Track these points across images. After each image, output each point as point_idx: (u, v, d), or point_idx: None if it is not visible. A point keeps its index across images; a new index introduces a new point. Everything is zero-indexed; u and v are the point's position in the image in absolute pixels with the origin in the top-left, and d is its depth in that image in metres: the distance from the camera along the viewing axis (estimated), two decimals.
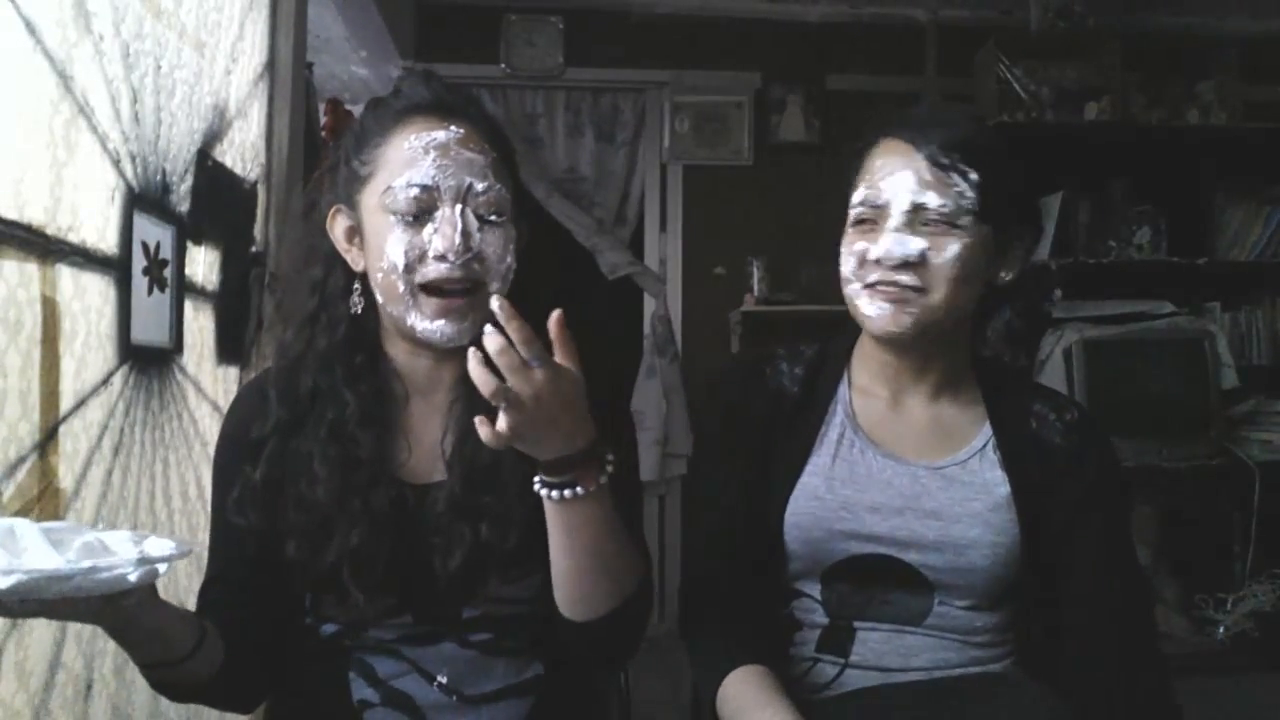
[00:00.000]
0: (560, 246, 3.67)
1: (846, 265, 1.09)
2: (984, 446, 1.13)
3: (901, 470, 1.12)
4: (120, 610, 0.82)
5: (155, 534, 0.85)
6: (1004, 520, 1.08)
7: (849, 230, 1.10)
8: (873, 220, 1.07)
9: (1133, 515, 1.19)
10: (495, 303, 0.84)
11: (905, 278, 1.04)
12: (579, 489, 0.90)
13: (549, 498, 0.91)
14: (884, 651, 1.10)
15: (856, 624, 1.11)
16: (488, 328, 0.84)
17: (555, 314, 0.85)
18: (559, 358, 0.86)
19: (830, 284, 1.15)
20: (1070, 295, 3.10)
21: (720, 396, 1.22)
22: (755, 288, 3.65)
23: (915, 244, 1.04)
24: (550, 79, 3.80)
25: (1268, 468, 3.01)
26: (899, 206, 1.05)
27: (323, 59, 3.09)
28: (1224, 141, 3.37)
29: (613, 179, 3.87)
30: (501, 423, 0.84)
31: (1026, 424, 1.13)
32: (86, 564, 0.75)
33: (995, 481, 1.10)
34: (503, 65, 3.75)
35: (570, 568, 0.95)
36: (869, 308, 1.07)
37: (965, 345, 1.15)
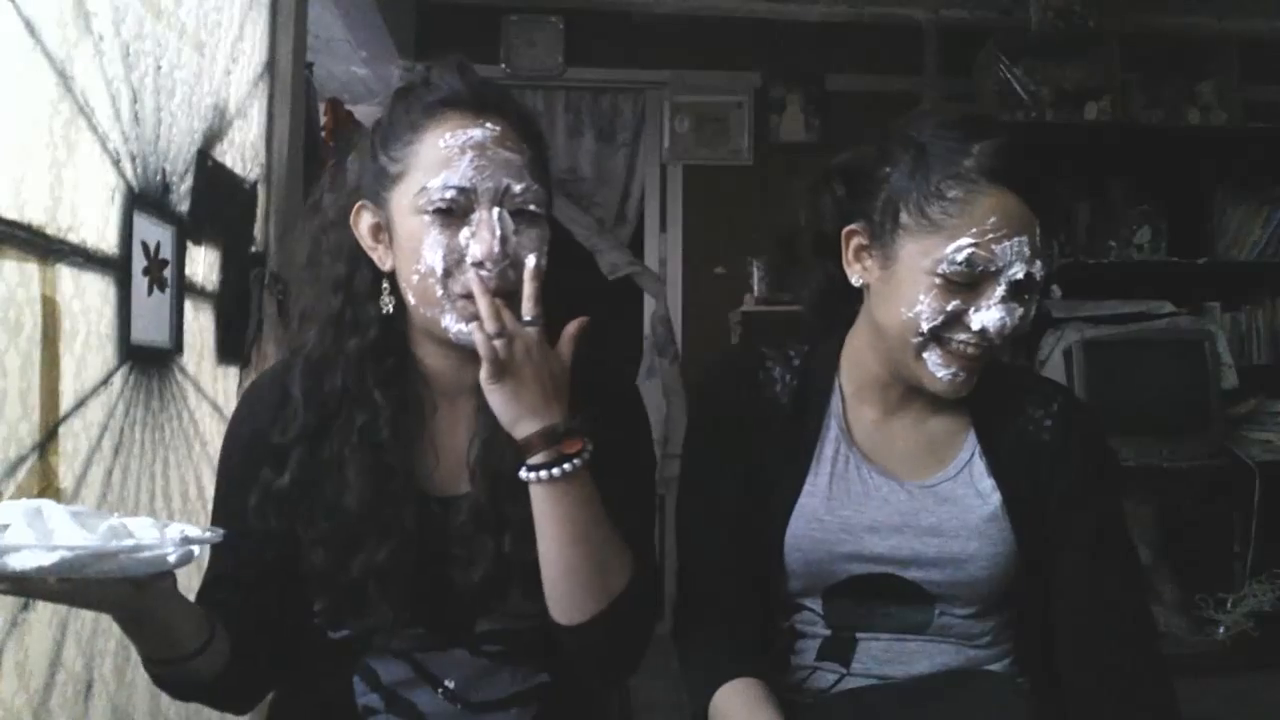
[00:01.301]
0: (560, 246, 3.66)
1: (926, 320, 1.01)
2: (972, 457, 1.11)
3: (896, 488, 1.10)
4: (144, 597, 0.81)
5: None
6: (999, 530, 1.07)
7: (935, 279, 1.00)
8: (971, 283, 1.00)
9: (1122, 498, 1.14)
10: (530, 261, 0.93)
11: (996, 341, 1.01)
12: (556, 470, 0.92)
13: (532, 480, 0.93)
14: (885, 659, 1.09)
15: (859, 635, 1.10)
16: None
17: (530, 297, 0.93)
18: (561, 343, 0.95)
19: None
20: (1070, 295, 3.10)
21: (712, 402, 1.19)
22: (755, 288, 3.65)
23: (1018, 313, 1.01)
24: (550, 79, 3.80)
25: (1268, 468, 3.01)
26: (1011, 275, 0.99)
27: (323, 59, 3.09)
28: (1224, 141, 3.37)
29: (613, 179, 3.87)
30: (484, 369, 0.90)
31: (1012, 424, 1.11)
32: (130, 542, 0.74)
33: (987, 491, 1.09)
34: (503, 65, 3.74)
35: (555, 558, 0.95)
36: (941, 370, 1.03)
37: None
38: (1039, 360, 3.02)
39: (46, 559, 0.69)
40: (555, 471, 0.92)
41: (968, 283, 1.00)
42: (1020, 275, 0.99)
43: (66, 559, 0.70)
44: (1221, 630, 2.91)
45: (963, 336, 1.01)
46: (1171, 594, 2.97)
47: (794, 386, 1.15)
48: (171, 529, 0.80)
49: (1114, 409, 2.87)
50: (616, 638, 0.99)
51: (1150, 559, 2.95)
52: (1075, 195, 3.26)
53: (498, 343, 0.89)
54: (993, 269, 0.99)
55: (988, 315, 1.00)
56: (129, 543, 0.74)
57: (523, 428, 0.92)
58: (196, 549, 0.79)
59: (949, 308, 1.00)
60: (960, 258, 0.99)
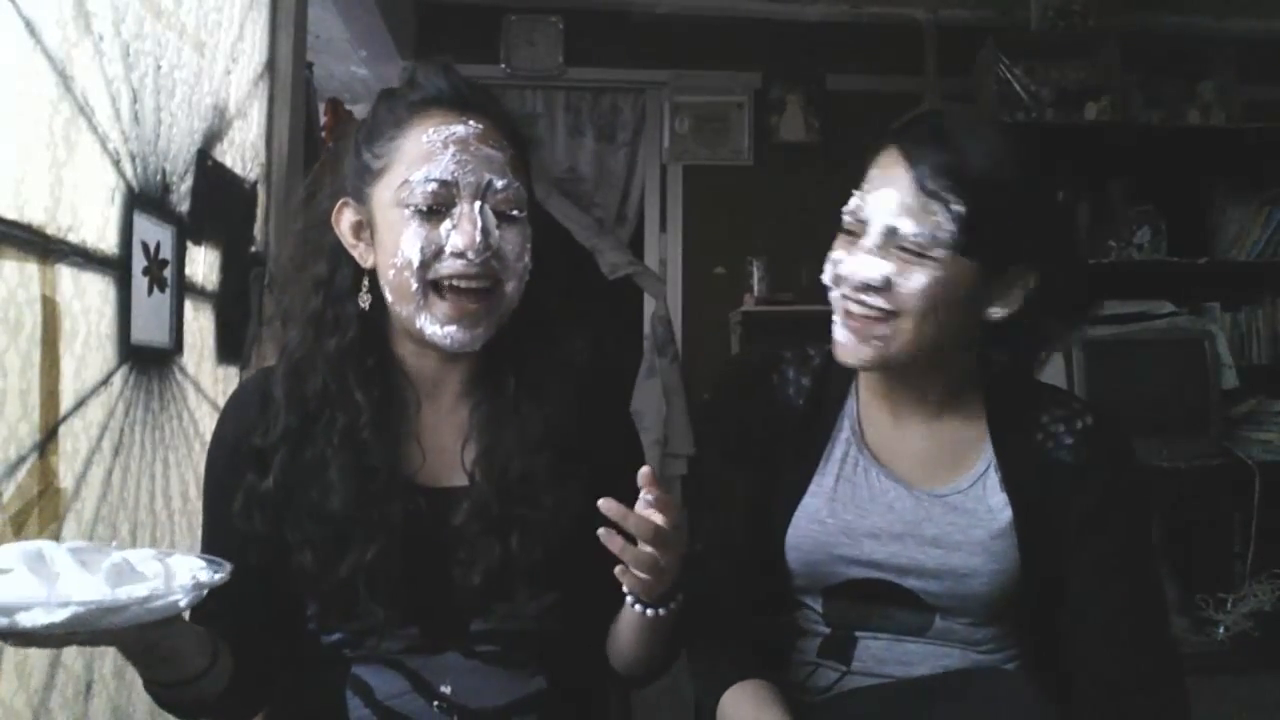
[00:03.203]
0: (561, 246, 3.67)
1: (826, 272, 1.06)
2: (986, 470, 1.09)
3: (904, 493, 1.09)
4: (152, 636, 0.80)
5: (158, 539, 0.84)
6: (1005, 547, 1.06)
7: (838, 235, 1.06)
8: (855, 233, 1.03)
9: (1150, 521, 1.12)
10: (643, 478, 0.87)
11: (870, 299, 1.01)
12: (663, 609, 0.95)
13: (643, 614, 0.95)
14: (886, 658, 1.09)
15: (858, 633, 1.10)
16: (636, 513, 0.86)
17: (646, 471, 0.88)
18: (665, 516, 0.88)
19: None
20: None
21: (724, 404, 1.18)
22: (755, 288, 3.65)
23: (881, 268, 0.99)
24: (550, 79, 3.80)
25: (1268, 468, 3.01)
26: (876, 226, 1.00)
27: (323, 59, 3.09)
28: (1224, 141, 3.37)
29: (613, 179, 3.87)
30: (632, 584, 0.90)
31: (1032, 440, 1.09)
32: (141, 593, 0.73)
33: (998, 507, 1.07)
34: (503, 65, 3.74)
35: (640, 656, 1.02)
36: (838, 332, 1.05)
37: (964, 366, 1.11)
38: (1039, 359, 3.02)
39: (59, 615, 0.68)
40: (663, 611, 0.95)
41: (854, 230, 1.03)
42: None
43: (79, 615, 0.69)
44: (1221, 630, 2.91)
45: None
46: (1171, 594, 2.97)
47: (809, 387, 1.14)
48: (176, 564, 0.79)
49: (1114, 409, 2.86)
50: (661, 674, 1.08)
51: None
52: (1075, 195, 3.26)
53: (649, 579, 0.89)
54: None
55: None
56: (141, 593, 0.73)
57: (658, 593, 0.94)
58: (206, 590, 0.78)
59: None
60: None
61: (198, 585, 0.77)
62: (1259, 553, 2.99)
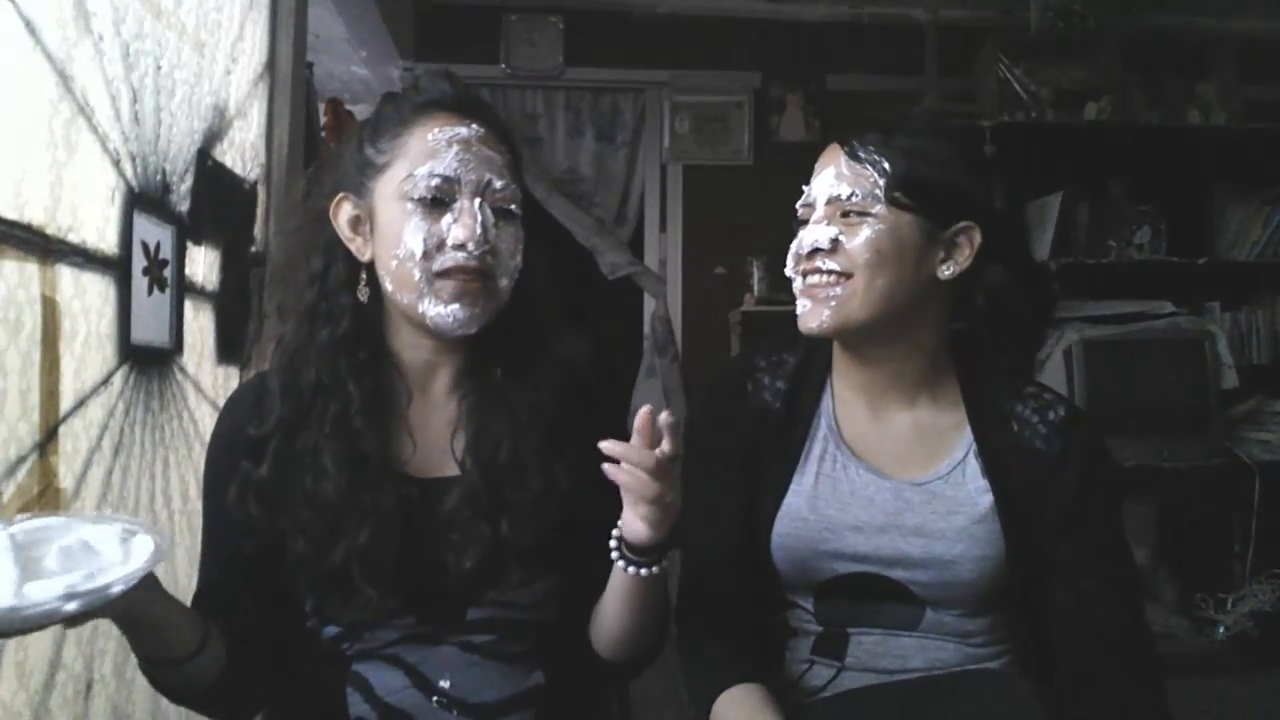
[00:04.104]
0: (560, 246, 3.67)
1: (788, 264, 1.11)
2: (965, 456, 1.11)
3: (884, 485, 1.10)
4: (136, 605, 0.83)
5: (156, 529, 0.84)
6: (988, 532, 1.07)
7: (797, 228, 1.13)
8: (807, 219, 1.11)
9: (1121, 512, 1.15)
10: (664, 418, 0.90)
11: (822, 263, 1.07)
12: (655, 567, 0.96)
13: (633, 573, 0.96)
14: (879, 654, 1.09)
15: (850, 630, 1.11)
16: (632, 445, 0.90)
17: (666, 416, 0.91)
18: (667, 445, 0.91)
19: None
20: (1070, 295, 3.09)
21: (704, 415, 1.21)
22: (755, 288, 3.65)
23: (828, 232, 1.07)
24: (550, 79, 3.80)
25: (1268, 468, 3.01)
26: (820, 200, 1.09)
27: (323, 59, 3.09)
28: (1224, 141, 3.37)
29: (613, 179, 3.87)
30: (650, 516, 0.92)
31: (1008, 428, 1.11)
32: (77, 600, 0.73)
33: (979, 492, 1.09)
34: (503, 65, 3.75)
35: (627, 626, 1.02)
36: (798, 306, 1.10)
37: (935, 345, 1.13)
38: (1039, 360, 3.02)
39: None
40: (655, 569, 0.97)
41: (806, 217, 1.11)
42: None
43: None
44: (1221, 630, 2.91)
45: None
46: (1171, 594, 2.97)
47: (785, 390, 1.16)
48: (138, 541, 0.80)
49: (1114, 409, 2.87)
50: (650, 657, 1.10)
51: (1150, 559, 2.95)
52: (1075, 195, 3.25)
53: (665, 503, 0.91)
54: None
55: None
56: (76, 600, 0.73)
57: (648, 540, 0.95)
58: (142, 573, 0.79)
59: None
60: None
61: (127, 576, 0.77)
62: (1259, 553, 2.99)
